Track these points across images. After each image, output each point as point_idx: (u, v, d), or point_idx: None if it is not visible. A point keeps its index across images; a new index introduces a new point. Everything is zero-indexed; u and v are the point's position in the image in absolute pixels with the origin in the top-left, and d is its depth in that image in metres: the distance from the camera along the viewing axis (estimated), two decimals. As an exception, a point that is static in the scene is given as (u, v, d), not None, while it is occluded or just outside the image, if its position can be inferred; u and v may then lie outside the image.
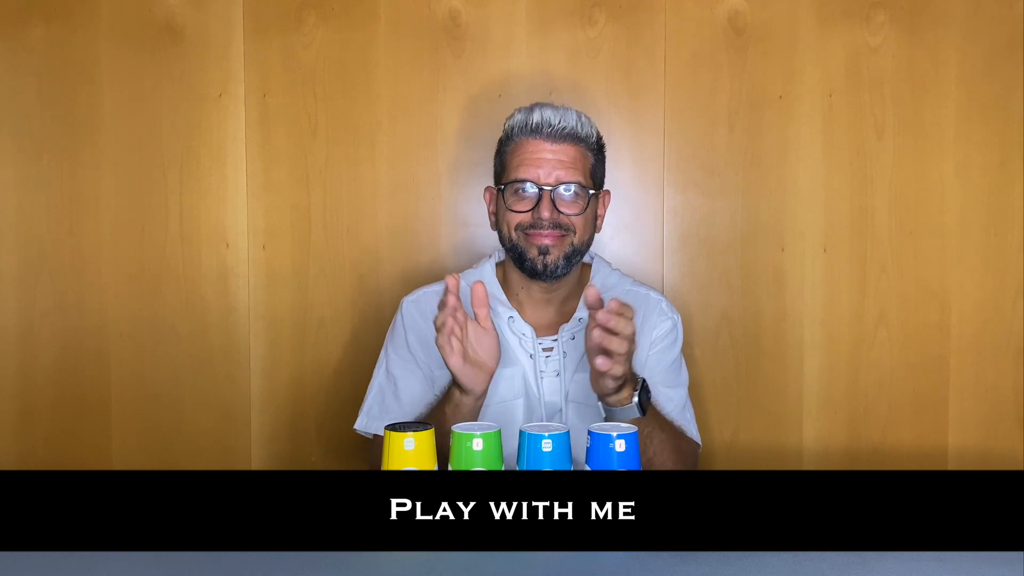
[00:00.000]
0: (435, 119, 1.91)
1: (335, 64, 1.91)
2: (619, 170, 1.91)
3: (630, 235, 1.92)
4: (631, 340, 1.27)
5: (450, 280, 1.31)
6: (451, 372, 1.35)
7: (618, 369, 1.27)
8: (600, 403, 1.36)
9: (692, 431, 1.57)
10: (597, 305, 1.26)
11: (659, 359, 1.55)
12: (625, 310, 1.26)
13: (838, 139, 1.89)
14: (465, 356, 1.34)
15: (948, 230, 1.90)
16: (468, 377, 1.35)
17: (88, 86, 1.92)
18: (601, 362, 1.26)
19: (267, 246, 1.93)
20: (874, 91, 1.89)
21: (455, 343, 1.32)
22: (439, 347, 1.33)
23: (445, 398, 1.43)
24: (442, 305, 1.32)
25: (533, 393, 1.51)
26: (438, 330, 1.32)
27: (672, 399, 1.54)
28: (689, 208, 1.92)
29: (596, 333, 1.25)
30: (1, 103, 1.93)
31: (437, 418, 1.40)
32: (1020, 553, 1.10)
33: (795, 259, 1.91)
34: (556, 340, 1.53)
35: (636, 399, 1.33)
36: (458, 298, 1.32)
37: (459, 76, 1.91)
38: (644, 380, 1.37)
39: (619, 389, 1.32)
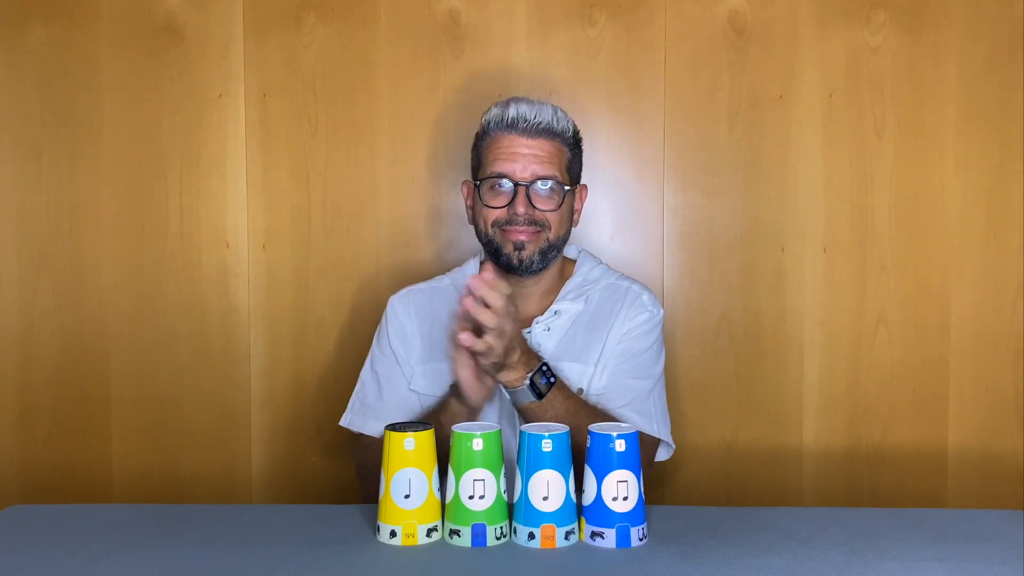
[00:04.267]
0: (435, 119, 1.91)
1: (335, 64, 1.91)
2: (619, 170, 1.91)
3: (630, 235, 1.92)
4: (502, 317, 1.26)
5: (473, 282, 1.28)
6: (460, 384, 1.33)
7: (480, 345, 1.26)
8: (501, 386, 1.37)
9: (650, 425, 1.50)
10: (475, 287, 1.28)
11: (627, 348, 1.53)
12: (499, 284, 1.26)
13: (838, 139, 1.89)
14: (476, 371, 1.33)
15: (948, 230, 1.90)
16: (474, 389, 1.34)
17: (88, 86, 1.92)
18: (464, 337, 1.26)
19: (267, 246, 1.93)
20: (874, 91, 1.89)
21: (467, 356, 1.31)
22: (453, 357, 1.32)
23: (441, 407, 1.43)
24: (458, 313, 1.30)
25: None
26: (455, 341, 1.30)
27: (633, 389, 1.51)
28: (689, 208, 1.92)
29: (467, 301, 1.25)
30: (1, 103, 1.93)
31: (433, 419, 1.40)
32: (1020, 552, 1.10)
33: (795, 259, 1.90)
34: (529, 331, 1.52)
35: (528, 381, 1.34)
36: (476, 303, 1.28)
37: (459, 76, 1.91)
38: (545, 364, 1.37)
39: (501, 368, 1.32)
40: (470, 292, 1.26)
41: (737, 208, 1.91)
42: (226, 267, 1.94)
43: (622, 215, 1.91)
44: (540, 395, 1.35)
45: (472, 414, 1.39)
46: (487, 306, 1.26)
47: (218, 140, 1.92)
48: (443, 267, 1.86)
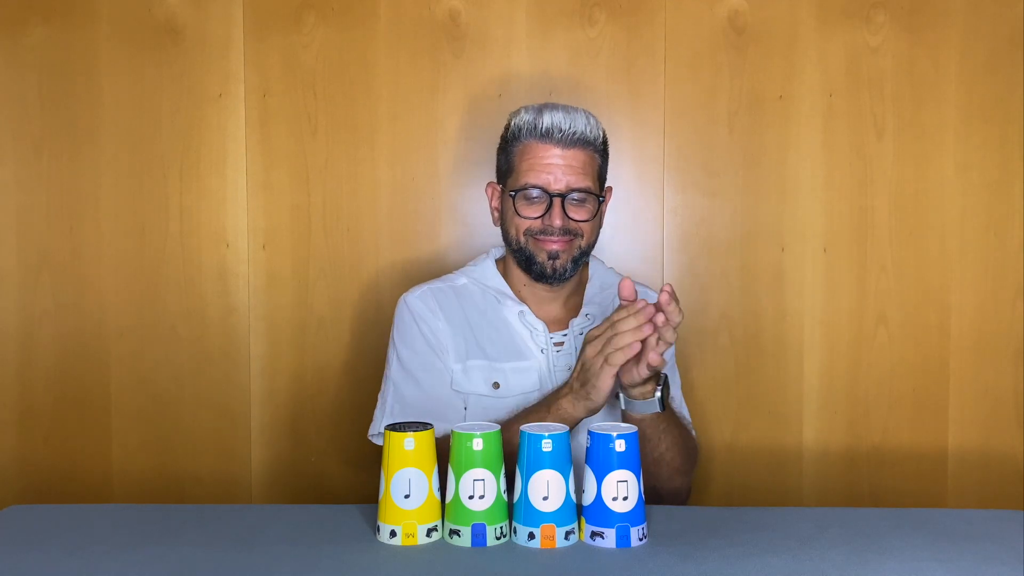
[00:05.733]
0: (435, 119, 1.91)
1: (335, 64, 1.92)
2: (619, 170, 1.91)
3: (630, 235, 1.92)
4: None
5: (665, 298, 1.25)
6: (600, 389, 1.31)
7: (662, 362, 1.28)
8: (622, 394, 1.35)
9: (691, 429, 1.59)
10: (632, 296, 1.27)
11: None
12: (676, 298, 1.27)
13: (838, 139, 1.89)
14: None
15: (948, 230, 1.90)
16: (606, 395, 1.33)
17: (88, 86, 1.92)
18: (654, 357, 1.26)
19: (267, 246, 1.93)
20: (874, 91, 1.89)
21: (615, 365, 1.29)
22: (607, 363, 1.28)
23: (547, 407, 1.38)
24: (614, 322, 1.28)
25: (547, 387, 1.51)
26: (617, 347, 1.27)
27: (673, 397, 1.55)
28: (689, 208, 1.92)
29: (660, 318, 1.24)
30: (1, 103, 1.93)
31: (530, 419, 1.35)
32: (1020, 552, 1.10)
33: (795, 259, 1.91)
34: (567, 335, 1.53)
35: (659, 393, 1.34)
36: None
37: (459, 76, 1.91)
38: (666, 376, 1.37)
39: (647, 381, 1.33)
40: (660, 310, 1.24)
41: (737, 208, 1.91)
42: (226, 267, 1.94)
43: (622, 215, 1.91)
44: (664, 407, 1.35)
45: (585, 416, 1.36)
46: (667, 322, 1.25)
47: (218, 140, 1.92)
48: (443, 267, 1.86)
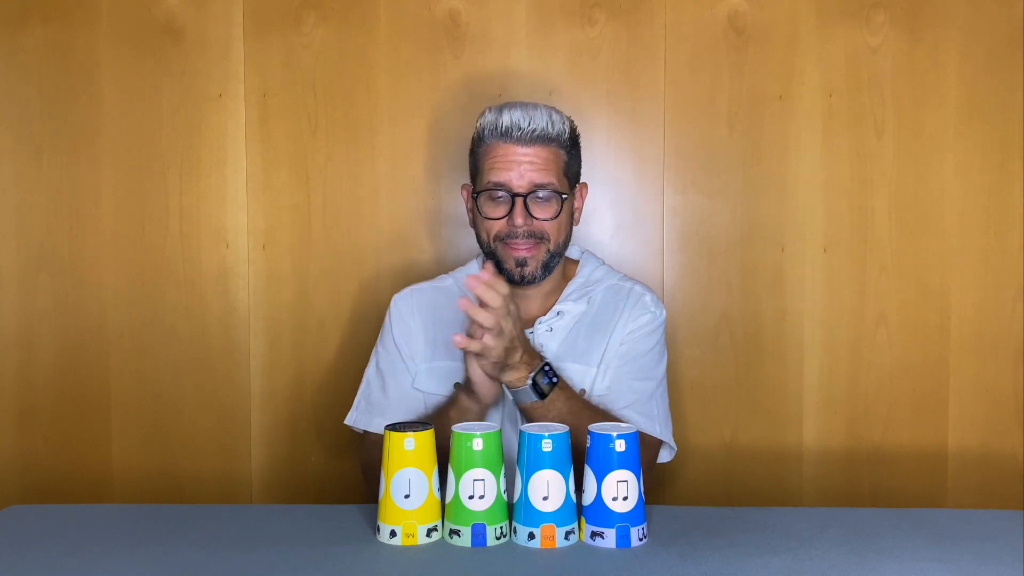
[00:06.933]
0: (435, 119, 1.91)
1: (335, 64, 1.92)
2: (619, 170, 1.91)
3: (630, 235, 1.92)
4: (502, 316, 1.27)
5: (470, 281, 1.30)
6: (471, 379, 1.35)
7: (475, 346, 1.28)
8: (504, 385, 1.38)
9: (652, 427, 1.51)
10: (472, 287, 1.28)
11: (629, 349, 1.53)
12: (497, 284, 1.27)
13: (838, 139, 1.89)
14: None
15: (948, 230, 1.90)
16: (486, 387, 1.36)
17: (88, 86, 1.92)
18: (458, 339, 1.27)
19: (267, 246, 1.93)
20: (874, 91, 1.89)
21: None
22: (465, 355, 1.34)
23: (450, 402, 1.43)
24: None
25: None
26: (470, 334, 1.32)
27: (636, 391, 1.51)
28: (689, 208, 1.92)
29: (463, 301, 1.26)
30: (1, 103, 1.93)
31: (440, 421, 1.39)
32: (1020, 552, 1.10)
33: (795, 259, 1.90)
34: (532, 332, 1.53)
35: (530, 381, 1.34)
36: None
37: (459, 76, 1.91)
38: (548, 363, 1.37)
39: (504, 369, 1.33)
40: (469, 291, 1.27)
41: (737, 208, 1.91)
42: (226, 267, 1.94)
43: (622, 215, 1.91)
44: (542, 395, 1.35)
45: (482, 410, 1.39)
46: (484, 305, 1.27)
47: (218, 140, 1.92)
48: (443, 267, 1.86)
